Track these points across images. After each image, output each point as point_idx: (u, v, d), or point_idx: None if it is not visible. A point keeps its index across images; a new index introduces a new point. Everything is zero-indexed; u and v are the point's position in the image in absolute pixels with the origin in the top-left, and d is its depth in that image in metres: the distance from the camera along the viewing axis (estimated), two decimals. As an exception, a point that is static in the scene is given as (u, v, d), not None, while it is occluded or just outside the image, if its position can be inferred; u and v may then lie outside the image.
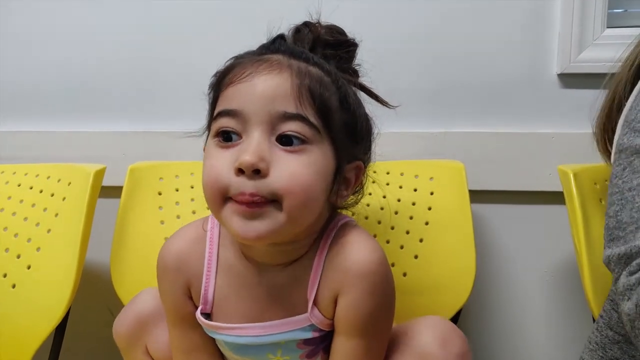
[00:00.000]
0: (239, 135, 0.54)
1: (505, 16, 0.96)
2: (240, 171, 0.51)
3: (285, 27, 0.63)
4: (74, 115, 1.05)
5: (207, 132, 0.60)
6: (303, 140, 0.53)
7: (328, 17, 0.66)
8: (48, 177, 0.88)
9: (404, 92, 0.98)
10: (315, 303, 0.59)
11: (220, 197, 0.53)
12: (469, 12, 0.97)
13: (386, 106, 0.67)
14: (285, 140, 0.53)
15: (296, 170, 0.52)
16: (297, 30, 0.62)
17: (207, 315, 0.63)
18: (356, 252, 0.57)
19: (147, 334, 0.67)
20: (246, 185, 0.51)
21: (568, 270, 1.01)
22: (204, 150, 0.59)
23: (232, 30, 0.99)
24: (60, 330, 0.83)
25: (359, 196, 0.67)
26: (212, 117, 0.57)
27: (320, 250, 0.59)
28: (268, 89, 0.53)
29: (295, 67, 0.55)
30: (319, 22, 0.62)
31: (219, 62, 0.62)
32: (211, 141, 0.56)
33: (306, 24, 0.62)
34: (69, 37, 1.03)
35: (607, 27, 0.95)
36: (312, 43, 0.61)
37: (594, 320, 0.77)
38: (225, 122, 0.54)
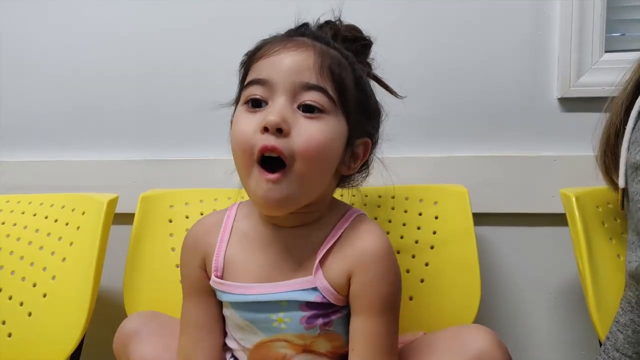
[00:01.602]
0: (266, 102, 0.61)
1: (505, 42, 0.99)
2: (265, 129, 0.58)
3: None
4: (86, 144, 1.08)
5: (235, 104, 0.68)
6: (321, 110, 0.61)
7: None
8: (62, 207, 0.90)
9: (408, 119, 1.00)
10: (323, 270, 0.64)
11: (249, 157, 0.60)
12: (470, 40, 0.99)
13: (396, 96, 0.75)
14: (305, 108, 0.60)
15: (313, 133, 0.59)
16: (320, 27, 0.70)
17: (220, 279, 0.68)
18: (372, 236, 0.64)
19: (129, 349, 0.73)
20: (269, 140, 0.58)
21: (573, 291, 1.02)
22: (231, 122, 0.68)
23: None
24: (74, 357, 0.84)
25: (365, 174, 0.73)
26: (242, 88, 0.64)
27: (337, 226, 0.66)
28: (293, 62, 0.61)
29: (318, 47, 0.63)
30: (339, 20, 0.71)
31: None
32: (240, 108, 0.63)
33: (327, 22, 0.70)
34: (82, 67, 1.07)
35: (606, 52, 0.98)
36: (332, 37, 0.68)
37: (599, 341, 0.78)
38: (254, 90, 0.61)
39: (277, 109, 0.59)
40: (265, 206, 0.62)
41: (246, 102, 0.62)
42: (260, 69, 0.62)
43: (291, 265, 0.65)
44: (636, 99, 0.74)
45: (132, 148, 1.07)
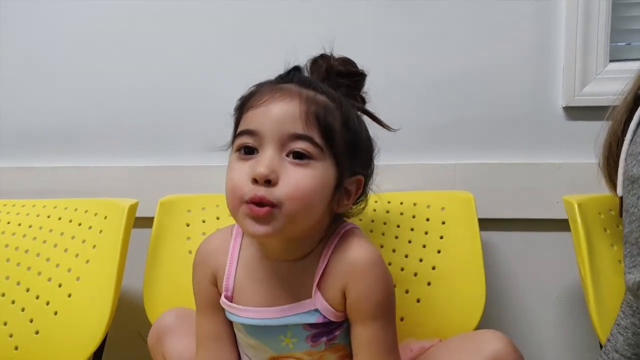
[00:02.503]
0: (257, 150, 0.64)
1: (511, 52, 1.01)
2: (255, 180, 0.62)
3: (302, 59, 0.72)
4: (108, 151, 1.12)
5: (231, 146, 0.71)
6: (309, 157, 0.63)
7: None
8: (86, 211, 0.95)
9: (416, 128, 1.04)
10: (321, 292, 0.68)
11: (238, 201, 0.63)
12: (478, 51, 1.02)
13: (388, 129, 0.77)
14: (294, 155, 0.63)
15: (300, 180, 0.62)
16: (314, 61, 0.72)
17: (229, 301, 0.72)
18: (358, 250, 0.67)
19: (164, 343, 0.78)
20: (258, 191, 0.61)
21: (577, 295, 1.04)
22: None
23: (255, 63, 1.05)
24: (98, 354, 0.89)
25: (362, 206, 0.77)
26: (235, 135, 0.68)
27: (327, 248, 0.69)
28: (280, 112, 0.63)
29: (305, 95, 0.65)
30: (331, 54, 0.72)
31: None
32: (233, 155, 0.67)
33: (322, 56, 0.72)
34: (104, 75, 1.11)
35: (610, 61, 1.00)
36: (325, 72, 0.71)
37: (600, 344, 0.80)
38: (244, 140, 0.65)
39: (266, 160, 0.62)
40: (254, 237, 0.67)
41: (238, 150, 0.66)
42: (250, 120, 0.65)
43: (293, 292, 0.69)
44: (635, 110, 0.76)
45: (151, 155, 1.11)
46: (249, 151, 0.64)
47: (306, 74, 0.72)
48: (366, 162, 0.73)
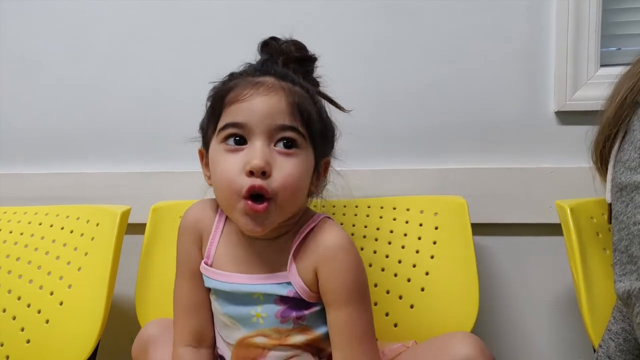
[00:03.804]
0: (245, 141, 0.67)
1: (503, 58, 1.02)
2: (250, 173, 0.64)
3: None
4: (99, 157, 1.12)
5: (202, 135, 0.74)
6: (295, 146, 0.67)
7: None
8: (78, 218, 0.94)
9: (409, 132, 1.05)
10: (297, 268, 0.70)
11: (236, 195, 0.65)
12: (470, 56, 1.03)
13: (342, 110, 0.79)
14: (283, 144, 0.67)
15: (290, 170, 0.66)
16: (265, 43, 0.76)
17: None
18: (331, 233, 0.71)
19: (148, 354, 0.78)
20: (256, 181, 0.64)
21: (570, 299, 1.05)
22: (199, 153, 0.75)
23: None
24: (90, 362, 0.88)
25: (325, 184, 0.79)
26: (215, 128, 0.69)
27: (302, 229, 0.72)
28: (268, 106, 0.66)
29: (287, 88, 0.69)
30: (284, 39, 0.75)
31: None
32: (218, 146, 0.68)
33: (273, 38, 0.76)
34: (96, 81, 1.11)
35: (601, 66, 1.00)
36: (285, 59, 0.74)
37: (593, 349, 0.80)
38: (232, 131, 0.67)
39: (260, 152, 0.65)
40: (249, 232, 0.68)
41: (224, 141, 0.68)
42: (236, 113, 0.67)
43: (269, 264, 0.72)
44: (621, 116, 0.76)
45: (143, 160, 1.11)
46: (238, 142, 0.67)
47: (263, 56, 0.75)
48: (332, 143, 0.77)
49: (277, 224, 0.68)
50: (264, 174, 0.64)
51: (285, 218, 0.69)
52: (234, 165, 0.66)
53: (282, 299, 0.70)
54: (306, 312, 0.71)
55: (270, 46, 0.75)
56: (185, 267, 0.77)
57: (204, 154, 0.74)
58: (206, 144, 0.73)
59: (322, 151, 0.73)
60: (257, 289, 0.71)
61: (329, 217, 0.75)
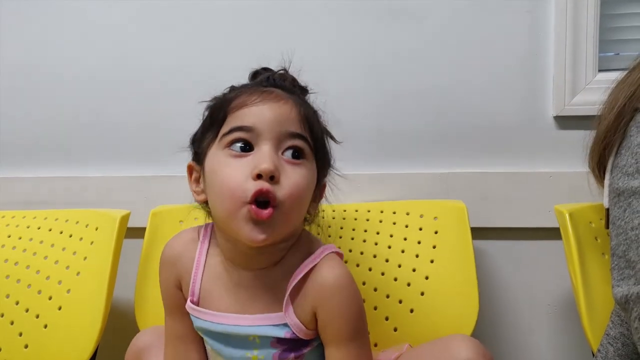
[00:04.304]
0: (251, 147, 0.63)
1: (502, 64, 1.03)
2: (258, 177, 0.60)
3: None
4: (98, 161, 1.11)
5: (195, 148, 0.70)
6: (303, 156, 0.65)
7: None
8: (77, 222, 0.94)
9: (409, 137, 1.05)
10: (293, 307, 0.66)
11: (239, 202, 0.61)
12: (469, 62, 1.03)
13: (334, 141, 0.74)
14: (291, 153, 0.64)
15: (297, 180, 0.63)
16: (257, 73, 0.72)
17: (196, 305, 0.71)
18: (330, 270, 0.66)
19: None
20: (264, 185, 0.60)
21: (569, 304, 1.05)
22: (188, 167, 0.70)
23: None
24: (88, 368, 0.88)
25: (318, 210, 0.75)
26: (216, 136, 0.66)
27: (307, 262, 0.67)
28: (278, 113, 0.64)
29: (296, 100, 0.67)
30: (277, 70, 0.72)
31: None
32: (221, 152, 0.64)
33: (265, 69, 0.73)
34: (96, 85, 1.10)
35: (599, 71, 1.01)
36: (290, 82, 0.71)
37: (592, 353, 0.80)
38: (239, 135, 0.63)
39: (269, 156, 0.61)
40: (251, 242, 0.62)
41: (229, 147, 0.63)
42: (243, 117, 0.64)
43: (263, 302, 0.67)
44: (619, 122, 0.76)
45: (143, 165, 1.10)
46: (244, 148, 0.63)
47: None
48: (329, 167, 0.74)
49: (278, 237, 0.63)
50: (272, 178, 0.60)
51: (286, 233, 0.65)
52: (239, 170, 0.61)
53: (279, 341, 0.67)
54: (305, 350, 0.68)
55: (260, 76, 0.72)
56: (168, 303, 0.74)
57: (195, 168, 0.70)
58: (198, 157, 0.69)
59: (322, 171, 0.70)
60: (252, 331, 0.67)
61: (335, 252, 0.70)
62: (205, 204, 0.69)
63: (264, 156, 0.61)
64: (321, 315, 0.66)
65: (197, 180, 0.69)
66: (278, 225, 0.62)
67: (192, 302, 0.70)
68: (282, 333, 0.66)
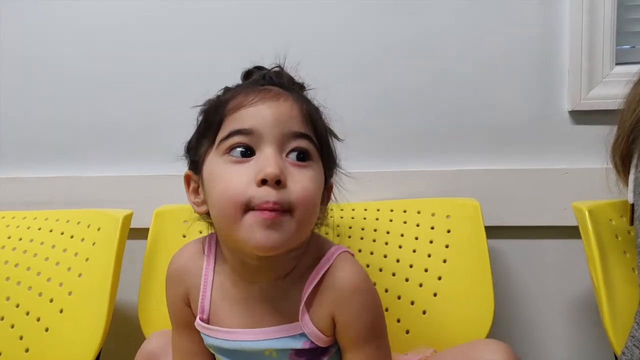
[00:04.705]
0: (253, 152, 0.59)
1: (516, 57, 1.00)
2: (263, 182, 0.56)
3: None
4: (100, 160, 1.09)
5: (191, 156, 0.66)
6: (309, 157, 0.60)
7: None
8: (78, 223, 0.92)
9: (421, 133, 1.02)
10: (310, 315, 0.63)
11: (242, 209, 0.56)
12: (482, 55, 1.00)
13: (336, 138, 0.70)
14: (296, 155, 0.59)
15: (307, 183, 0.58)
16: (250, 73, 0.68)
17: (206, 323, 0.67)
18: (346, 274, 0.63)
19: None
20: (270, 195, 0.55)
21: (586, 304, 1.02)
22: (186, 177, 0.66)
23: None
24: (91, 372, 0.85)
25: (326, 212, 0.71)
26: (214, 141, 0.61)
27: (319, 267, 0.64)
28: (279, 112, 0.59)
29: (296, 96, 0.63)
30: (271, 68, 0.68)
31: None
32: (220, 159, 0.60)
33: (257, 67, 0.68)
34: (97, 83, 1.08)
35: (616, 64, 0.98)
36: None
37: (615, 355, 0.77)
38: (239, 139, 0.59)
39: (273, 160, 0.57)
40: (261, 250, 0.57)
41: (228, 153, 0.59)
42: (242, 119, 0.59)
43: (277, 314, 0.64)
44: None
45: (146, 163, 1.08)
46: (245, 153, 0.58)
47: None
48: (335, 167, 0.69)
49: (292, 244, 0.59)
50: (279, 183, 0.56)
51: (299, 241, 0.61)
52: (241, 176, 0.57)
53: (297, 353, 0.64)
54: (324, 358, 0.65)
55: (254, 76, 0.67)
56: (175, 319, 0.70)
57: (192, 177, 0.65)
58: (195, 165, 0.64)
59: (328, 171, 0.66)
60: (268, 345, 0.63)
61: (346, 251, 0.67)
62: (207, 215, 0.64)
63: (267, 160, 0.57)
64: (341, 319, 0.62)
65: (196, 191, 0.65)
66: (291, 231, 0.57)
67: (201, 319, 0.67)
68: (300, 344, 0.63)
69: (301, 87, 0.69)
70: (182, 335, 0.70)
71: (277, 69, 0.67)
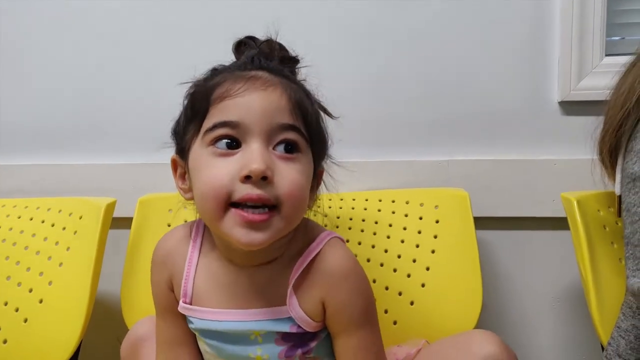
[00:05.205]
0: (238, 144, 0.57)
1: (505, 47, 0.99)
2: (247, 178, 0.55)
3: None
4: (83, 148, 1.07)
5: (177, 140, 0.64)
6: (297, 150, 0.59)
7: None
8: (59, 211, 0.89)
9: (409, 123, 1.01)
10: (298, 299, 0.62)
11: (224, 204, 0.55)
12: (471, 45, 1.00)
13: (331, 117, 0.68)
14: (284, 148, 0.58)
15: (295, 177, 0.57)
16: (242, 43, 0.66)
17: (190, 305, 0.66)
18: (336, 258, 0.63)
19: (139, 355, 0.73)
20: (253, 190, 0.55)
21: (575, 295, 1.02)
22: (172, 162, 0.64)
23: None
24: (72, 363, 0.84)
25: (316, 197, 0.70)
26: (199, 130, 0.59)
27: (308, 251, 0.63)
28: (267, 103, 0.57)
29: (285, 84, 0.60)
30: (265, 39, 0.65)
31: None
32: (204, 150, 0.58)
33: (250, 37, 0.66)
34: (80, 71, 1.06)
35: (606, 55, 0.98)
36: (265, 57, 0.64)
37: (602, 346, 0.77)
38: (224, 132, 0.57)
39: (259, 154, 0.55)
40: (246, 246, 0.57)
41: (213, 144, 0.57)
42: (227, 111, 0.57)
43: (264, 296, 0.63)
44: (632, 105, 0.73)
45: (129, 151, 1.06)
46: (230, 145, 0.57)
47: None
48: (326, 151, 0.68)
49: (278, 237, 0.58)
50: (265, 179, 0.54)
51: (286, 232, 0.60)
52: (225, 170, 0.55)
53: (284, 337, 0.63)
54: (313, 344, 0.64)
55: (247, 46, 0.65)
56: (160, 304, 0.69)
57: (179, 163, 0.64)
58: (182, 150, 0.63)
59: (319, 158, 0.65)
60: (253, 327, 0.62)
61: (337, 237, 0.66)
62: (194, 201, 0.63)
63: (253, 154, 0.55)
64: (331, 304, 0.62)
65: (183, 177, 0.64)
66: (278, 226, 0.56)
67: (184, 302, 0.65)
68: (287, 327, 0.62)
69: (292, 61, 0.66)
70: (167, 321, 0.69)
71: (268, 39, 0.65)
